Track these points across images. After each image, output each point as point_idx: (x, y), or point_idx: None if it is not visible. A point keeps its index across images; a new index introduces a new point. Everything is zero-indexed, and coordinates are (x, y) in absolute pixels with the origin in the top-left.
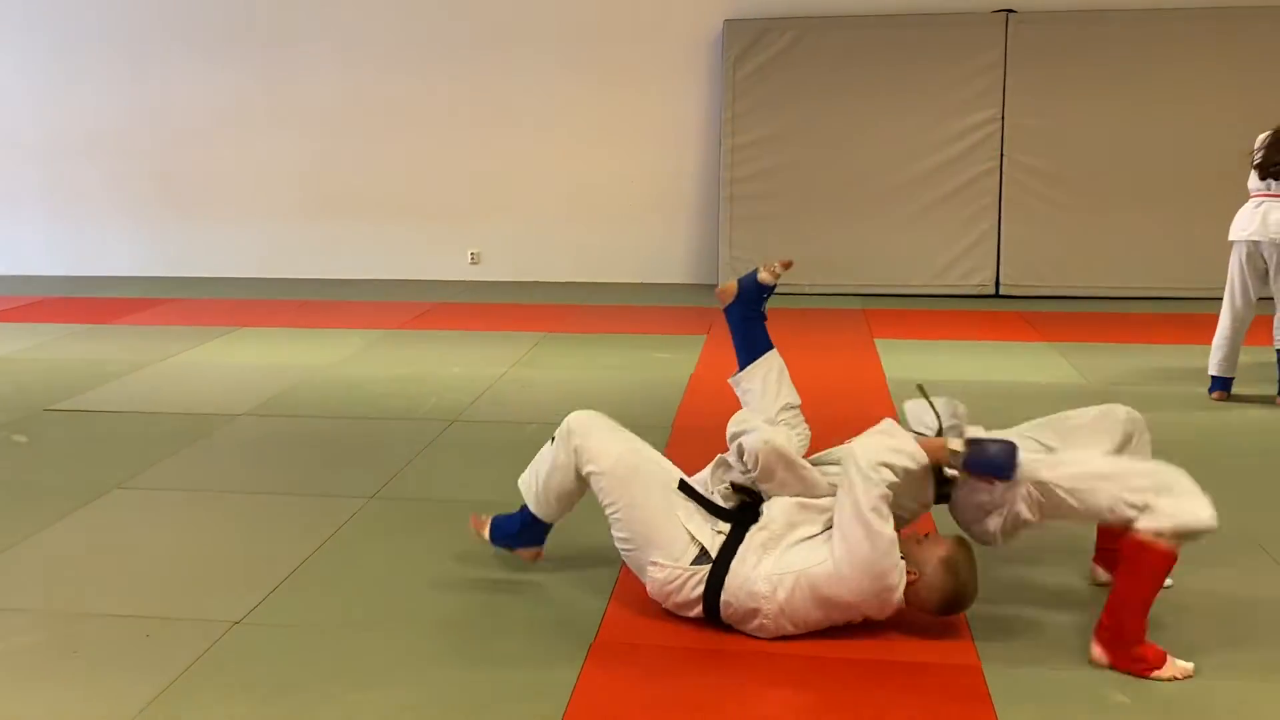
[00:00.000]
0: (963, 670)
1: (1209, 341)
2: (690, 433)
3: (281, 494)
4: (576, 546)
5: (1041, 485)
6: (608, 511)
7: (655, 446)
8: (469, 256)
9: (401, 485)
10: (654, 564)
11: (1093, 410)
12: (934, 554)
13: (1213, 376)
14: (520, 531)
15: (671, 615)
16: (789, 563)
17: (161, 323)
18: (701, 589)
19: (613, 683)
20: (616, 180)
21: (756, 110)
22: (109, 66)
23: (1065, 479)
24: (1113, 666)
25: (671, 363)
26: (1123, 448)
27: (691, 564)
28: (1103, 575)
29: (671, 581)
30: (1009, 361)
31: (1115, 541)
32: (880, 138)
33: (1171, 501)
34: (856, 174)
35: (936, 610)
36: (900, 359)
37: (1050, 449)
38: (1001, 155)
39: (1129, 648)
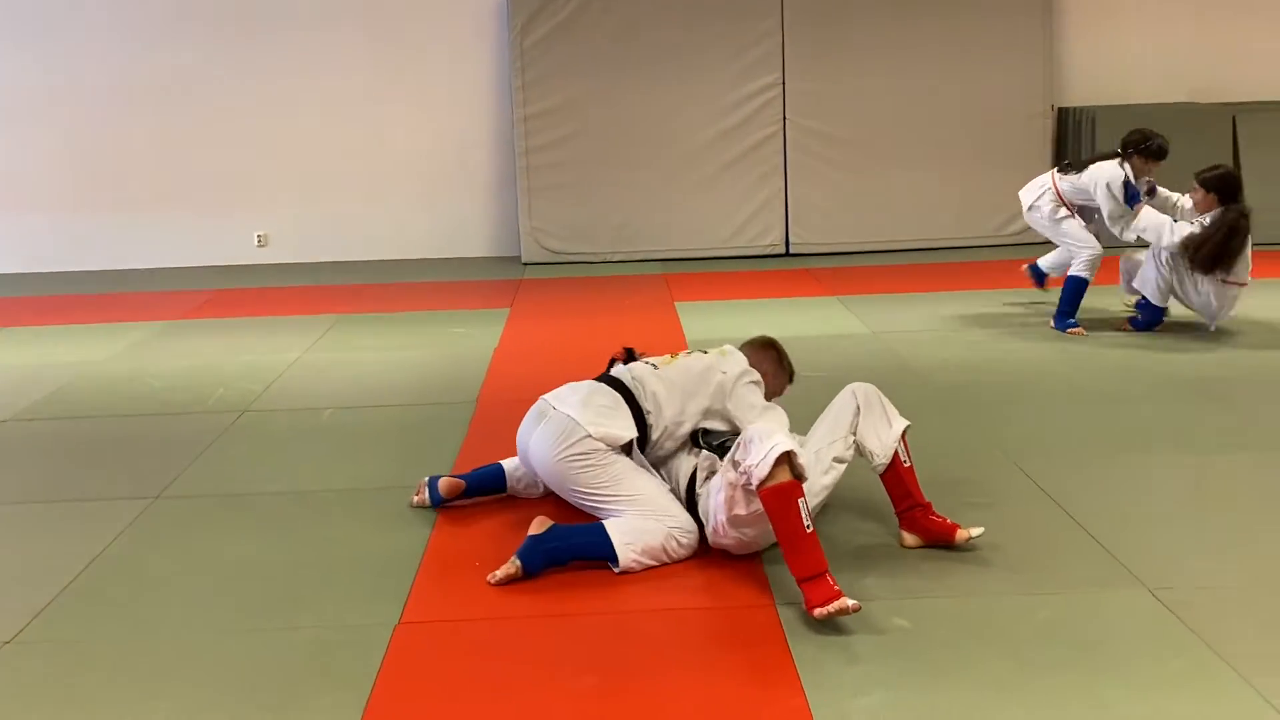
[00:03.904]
0: (758, 610)
1: (978, 287)
2: (495, 407)
3: (53, 502)
4: (378, 539)
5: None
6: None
7: (459, 423)
8: (256, 239)
9: (187, 483)
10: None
11: (835, 401)
12: (760, 356)
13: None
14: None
15: (474, 591)
16: None
17: None
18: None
19: (417, 663)
20: (409, 154)
21: (546, 79)
22: None
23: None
24: (810, 613)
25: (472, 338)
26: (854, 415)
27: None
28: (909, 539)
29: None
30: (799, 317)
31: (905, 502)
32: (669, 104)
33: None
34: (649, 141)
35: (789, 378)
36: (700, 320)
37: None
38: (784, 119)
39: (802, 586)
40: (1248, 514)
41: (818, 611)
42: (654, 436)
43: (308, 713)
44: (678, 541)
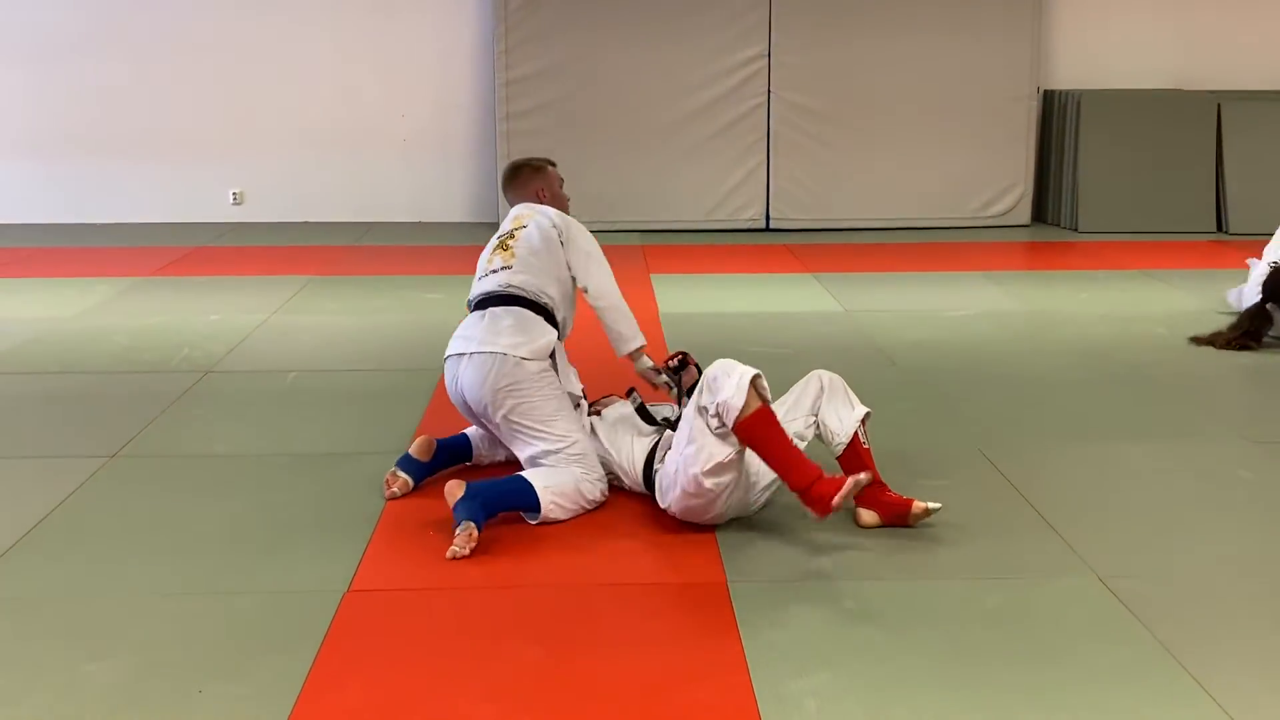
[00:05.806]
0: (708, 587)
1: (957, 269)
2: None
3: (7, 458)
4: (334, 504)
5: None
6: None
7: (424, 391)
8: (231, 196)
9: (146, 442)
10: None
11: (799, 383)
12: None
13: None
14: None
15: (426, 560)
16: None
17: None
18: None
19: (364, 631)
20: (388, 115)
21: (529, 43)
22: None
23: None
24: (827, 512)
25: (445, 303)
26: (817, 397)
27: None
28: (866, 517)
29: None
30: (775, 292)
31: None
32: (653, 73)
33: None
34: (631, 110)
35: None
36: (674, 293)
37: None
38: (769, 92)
39: (808, 494)
40: (1208, 505)
41: (836, 499)
42: (564, 326)
43: (251, 677)
44: (590, 483)
